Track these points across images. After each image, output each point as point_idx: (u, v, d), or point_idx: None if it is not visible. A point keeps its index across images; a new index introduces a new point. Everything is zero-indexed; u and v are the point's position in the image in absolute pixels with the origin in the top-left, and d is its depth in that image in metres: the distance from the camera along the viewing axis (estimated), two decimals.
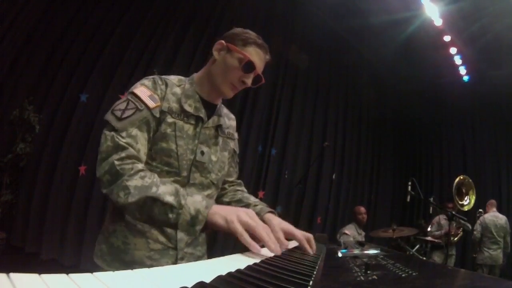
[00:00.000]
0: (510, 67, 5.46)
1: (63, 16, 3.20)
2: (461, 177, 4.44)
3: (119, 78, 3.45)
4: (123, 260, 0.95)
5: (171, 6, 3.87)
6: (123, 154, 0.86)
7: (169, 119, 0.98)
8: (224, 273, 0.41)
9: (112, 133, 0.89)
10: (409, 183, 3.41)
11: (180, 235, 1.00)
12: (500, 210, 4.85)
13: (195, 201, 0.80)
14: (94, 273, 0.32)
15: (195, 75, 1.10)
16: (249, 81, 1.01)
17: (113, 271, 0.34)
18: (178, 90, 1.03)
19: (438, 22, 4.90)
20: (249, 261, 0.57)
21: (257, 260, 0.58)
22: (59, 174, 3.12)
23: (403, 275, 0.56)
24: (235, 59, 0.99)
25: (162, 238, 0.99)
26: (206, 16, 4.18)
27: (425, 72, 6.36)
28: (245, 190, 1.23)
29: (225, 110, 1.17)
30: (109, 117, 0.91)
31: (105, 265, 0.97)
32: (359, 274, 0.55)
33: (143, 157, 0.93)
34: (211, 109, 1.07)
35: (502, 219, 4.47)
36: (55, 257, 3.04)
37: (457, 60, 5.78)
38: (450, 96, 6.72)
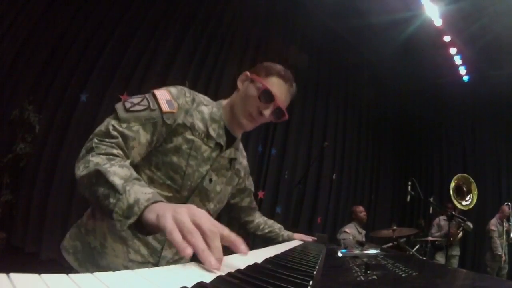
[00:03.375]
0: (510, 67, 5.46)
1: (63, 16, 3.19)
2: (458, 177, 4.42)
3: (119, 78, 3.45)
4: (98, 264, 0.87)
5: (171, 6, 3.86)
6: (107, 140, 0.79)
7: (189, 135, 0.92)
8: (224, 273, 0.41)
9: (113, 121, 0.83)
10: (409, 183, 3.41)
11: (165, 252, 0.94)
12: (498, 211, 5.00)
13: (140, 190, 0.64)
14: (94, 273, 0.32)
15: (222, 101, 1.06)
16: (267, 112, 0.96)
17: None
18: (205, 110, 0.98)
19: (438, 22, 4.90)
20: (249, 261, 0.57)
21: (257, 261, 0.58)
22: (59, 174, 3.12)
23: (403, 275, 0.56)
24: (255, 88, 0.97)
25: (144, 251, 0.91)
26: (206, 16, 4.17)
27: (425, 72, 6.36)
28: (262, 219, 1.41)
29: (240, 146, 1.15)
30: (118, 105, 0.86)
31: (77, 264, 0.88)
32: (359, 274, 0.55)
33: (135, 156, 0.84)
34: (231, 140, 1.04)
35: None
36: (55, 257, 3.04)
37: (457, 60, 5.78)
38: (450, 96, 6.72)
